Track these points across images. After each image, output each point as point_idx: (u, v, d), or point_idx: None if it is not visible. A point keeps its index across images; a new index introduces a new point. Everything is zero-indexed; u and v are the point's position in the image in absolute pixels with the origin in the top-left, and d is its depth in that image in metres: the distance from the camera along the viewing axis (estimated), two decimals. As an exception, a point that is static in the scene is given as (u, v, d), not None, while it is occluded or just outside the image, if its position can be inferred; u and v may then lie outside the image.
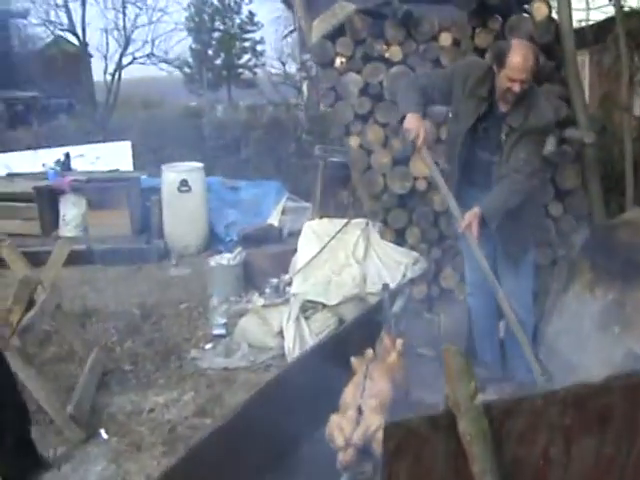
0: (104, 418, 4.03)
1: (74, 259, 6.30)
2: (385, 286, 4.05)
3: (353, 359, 3.20)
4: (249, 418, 2.77)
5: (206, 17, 29.09)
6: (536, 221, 4.16)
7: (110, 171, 8.38)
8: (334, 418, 2.81)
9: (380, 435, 2.12)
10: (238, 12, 29.64)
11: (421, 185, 4.89)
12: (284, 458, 2.96)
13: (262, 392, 2.93)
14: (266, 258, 5.88)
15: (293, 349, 4.56)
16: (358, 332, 3.62)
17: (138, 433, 3.92)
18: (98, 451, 3.70)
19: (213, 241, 7.44)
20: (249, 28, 30.09)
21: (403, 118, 3.65)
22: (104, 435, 3.92)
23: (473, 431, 1.72)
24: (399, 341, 3.45)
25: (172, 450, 3.75)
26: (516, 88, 3.48)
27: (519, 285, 3.91)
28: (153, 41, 22.08)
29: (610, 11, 5.96)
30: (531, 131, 3.58)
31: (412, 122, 3.58)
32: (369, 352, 3.31)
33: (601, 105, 6.75)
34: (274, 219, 7.03)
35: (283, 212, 7.07)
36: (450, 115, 3.94)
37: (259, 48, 29.79)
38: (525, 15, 4.81)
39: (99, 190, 7.48)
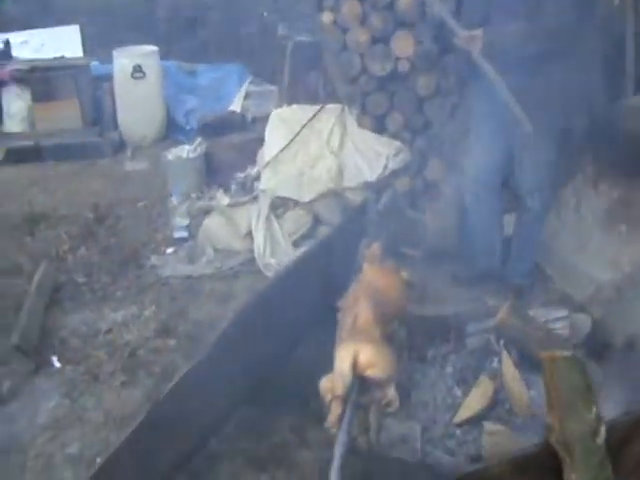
0: (56, 343, 3.58)
1: (21, 157, 5.60)
2: (368, 184, 3.44)
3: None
4: (229, 347, 2.52)
5: None
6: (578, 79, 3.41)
7: (56, 58, 7.40)
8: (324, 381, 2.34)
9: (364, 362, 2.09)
10: None
11: (404, 66, 4.29)
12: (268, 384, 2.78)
13: (243, 314, 2.64)
14: (229, 149, 5.28)
15: (264, 252, 4.16)
16: (343, 240, 3.31)
17: (94, 359, 3.48)
18: (50, 384, 3.28)
19: (172, 130, 6.70)
20: None
21: None
22: (56, 364, 3.46)
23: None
24: (374, 247, 3.09)
25: (133, 379, 3.28)
26: None
27: (538, 159, 3.46)
28: None
29: None
30: None
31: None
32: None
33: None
34: (236, 105, 6.34)
35: (246, 97, 6.39)
36: None
37: None
38: None
39: (44, 80, 6.61)
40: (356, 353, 2.27)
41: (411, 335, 3.09)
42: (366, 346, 2.27)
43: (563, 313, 3.16)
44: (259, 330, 2.65)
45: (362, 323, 2.51)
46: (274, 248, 4.19)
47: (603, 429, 1.12)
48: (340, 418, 2.13)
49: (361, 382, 2.30)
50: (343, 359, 2.28)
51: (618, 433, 1.21)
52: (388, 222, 3.63)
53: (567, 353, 1.22)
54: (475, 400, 2.91)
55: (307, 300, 2.97)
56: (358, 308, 2.57)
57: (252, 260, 4.24)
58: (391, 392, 2.31)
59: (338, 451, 1.86)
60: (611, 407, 1.88)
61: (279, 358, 2.88)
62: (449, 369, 3.13)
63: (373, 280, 2.85)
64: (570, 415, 1.12)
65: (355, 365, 2.28)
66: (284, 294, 2.85)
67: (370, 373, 2.29)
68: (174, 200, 5.18)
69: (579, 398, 1.11)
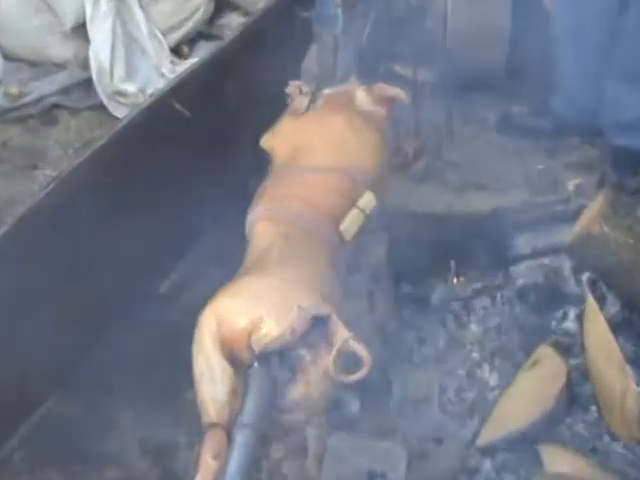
0: None
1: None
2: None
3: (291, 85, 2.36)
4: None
5: None
6: None
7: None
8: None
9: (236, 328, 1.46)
10: None
11: None
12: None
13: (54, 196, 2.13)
14: None
15: (111, 70, 3.38)
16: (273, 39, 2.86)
17: None
18: None
19: None
20: None
21: None
22: None
23: None
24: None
25: None
26: None
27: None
28: None
29: None
30: None
31: None
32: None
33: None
34: None
35: None
36: None
37: None
38: None
39: None
40: (218, 315, 1.56)
41: (399, 253, 2.46)
42: (231, 295, 1.59)
43: None
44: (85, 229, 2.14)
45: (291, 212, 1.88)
46: (132, 61, 3.46)
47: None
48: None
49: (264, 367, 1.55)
50: (202, 336, 1.56)
51: None
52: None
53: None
54: (522, 399, 2.25)
55: (196, 170, 2.44)
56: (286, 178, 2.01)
57: (86, 84, 3.52)
58: (329, 362, 1.50)
59: None
60: None
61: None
62: (472, 328, 2.52)
63: (328, 119, 2.20)
64: None
65: (228, 342, 1.54)
66: (145, 161, 2.33)
67: (261, 342, 1.52)
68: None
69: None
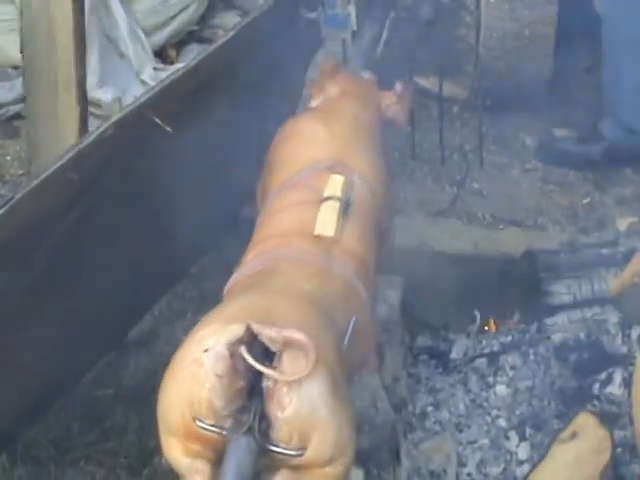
0: None
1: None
2: None
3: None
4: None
5: None
6: None
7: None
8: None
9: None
10: None
11: None
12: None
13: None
14: None
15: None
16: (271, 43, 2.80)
17: None
18: None
19: None
20: None
21: None
22: None
23: None
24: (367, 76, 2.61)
25: None
26: None
27: None
28: None
29: None
30: None
31: None
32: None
33: None
34: None
35: None
36: None
37: None
38: None
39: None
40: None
41: (415, 299, 2.61)
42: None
43: None
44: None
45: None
46: (108, 65, 3.48)
47: None
48: None
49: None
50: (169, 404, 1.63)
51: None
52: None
53: None
54: (556, 477, 2.25)
55: (177, 198, 2.43)
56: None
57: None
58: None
59: None
60: None
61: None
62: (499, 390, 2.55)
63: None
64: None
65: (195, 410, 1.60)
66: (114, 185, 2.30)
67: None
68: None
69: None
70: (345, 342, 1.78)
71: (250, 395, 1.58)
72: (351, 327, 1.79)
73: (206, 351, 1.57)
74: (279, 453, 1.56)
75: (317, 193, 2.01)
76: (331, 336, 1.77)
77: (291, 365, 1.56)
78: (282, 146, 2.35)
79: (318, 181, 2.06)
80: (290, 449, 1.57)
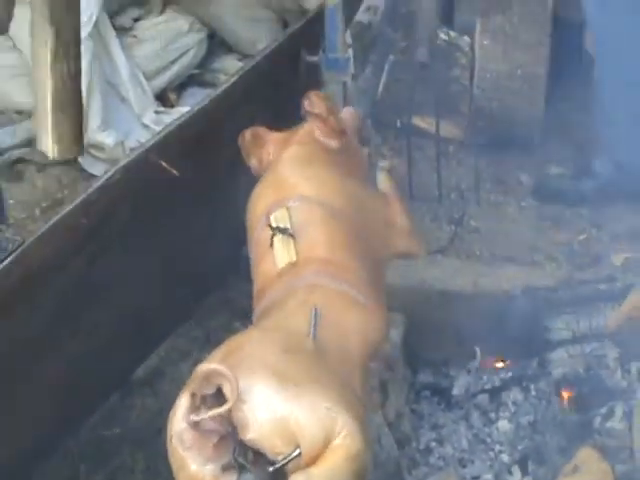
0: None
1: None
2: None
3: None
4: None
5: None
6: None
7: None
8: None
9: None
10: None
11: None
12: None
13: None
14: None
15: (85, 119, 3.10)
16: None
17: None
18: None
19: None
20: None
21: None
22: None
23: None
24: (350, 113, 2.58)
25: None
26: None
27: None
28: None
29: None
30: None
31: None
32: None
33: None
34: None
35: None
36: None
37: None
38: None
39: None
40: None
41: (416, 336, 2.63)
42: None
43: None
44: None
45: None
46: (110, 109, 3.47)
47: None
48: None
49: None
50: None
51: None
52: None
53: None
54: None
55: (185, 239, 2.51)
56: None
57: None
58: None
59: None
60: None
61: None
62: (501, 425, 2.58)
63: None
64: None
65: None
66: (123, 229, 2.36)
67: None
68: None
69: None
70: (311, 334, 1.82)
71: (228, 440, 1.64)
72: (313, 319, 1.83)
73: (171, 437, 1.64)
74: (283, 465, 1.59)
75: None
76: (275, 338, 1.80)
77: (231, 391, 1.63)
78: (251, 205, 2.32)
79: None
80: (287, 454, 1.60)
